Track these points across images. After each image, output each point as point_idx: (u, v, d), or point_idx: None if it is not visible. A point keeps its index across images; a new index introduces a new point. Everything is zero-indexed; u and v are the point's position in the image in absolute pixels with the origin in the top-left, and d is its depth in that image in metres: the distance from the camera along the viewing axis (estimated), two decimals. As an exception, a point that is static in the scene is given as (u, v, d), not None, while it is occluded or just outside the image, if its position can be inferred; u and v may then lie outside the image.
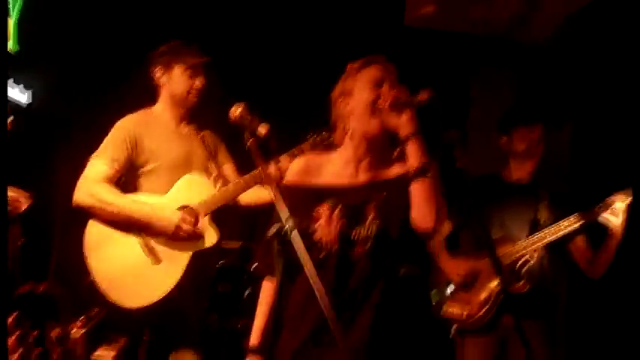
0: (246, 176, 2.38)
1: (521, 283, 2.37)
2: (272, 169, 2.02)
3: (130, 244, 2.32)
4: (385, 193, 1.62)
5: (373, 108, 1.62)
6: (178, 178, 2.39)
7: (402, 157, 1.63)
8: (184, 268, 2.29)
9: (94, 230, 2.34)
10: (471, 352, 2.43)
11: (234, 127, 1.59)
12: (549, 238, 2.36)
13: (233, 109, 1.59)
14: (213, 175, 2.49)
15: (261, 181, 2.37)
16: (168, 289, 2.26)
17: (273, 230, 1.35)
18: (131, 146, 2.36)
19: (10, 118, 1.74)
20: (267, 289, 1.71)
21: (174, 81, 2.43)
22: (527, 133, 2.52)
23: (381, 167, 1.68)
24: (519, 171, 2.56)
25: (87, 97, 3.40)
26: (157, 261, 2.30)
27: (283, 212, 1.37)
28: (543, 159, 2.56)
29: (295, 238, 1.34)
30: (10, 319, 1.07)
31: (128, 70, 3.22)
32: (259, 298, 1.75)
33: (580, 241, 2.42)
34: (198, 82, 2.44)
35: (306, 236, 1.56)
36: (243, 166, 2.49)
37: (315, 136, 2.29)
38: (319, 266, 1.55)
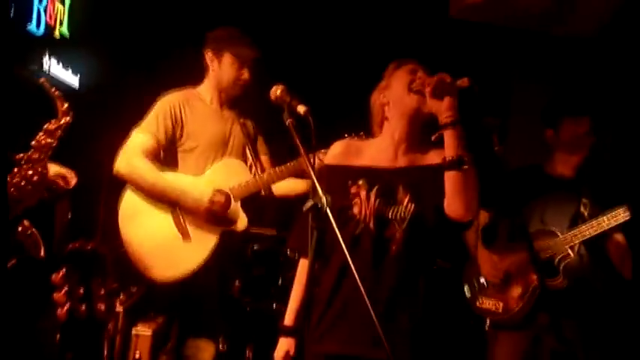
0: (283, 166, 2.43)
1: (559, 279, 2.32)
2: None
3: (163, 218, 2.38)
4: (422, 179, 1.64)
5: (410, 88, 1.68)
6: (215, 159, 2.44)
7: (440, 144, 1.66)
8: (212, 249, 2.34)
9: (130, 200, 2.40)
10: (504, 347, 2.40)
11: (274, 121, 1.63)
12: (589, 233, 2.30)
13: (274, 89, 1.63)
14: (250, 162, 2.54)
15: (296, 173, 2.43)
16: (194, 267, 2.32)
17: (308, 205, 1.37)
18: (173, 122, 2.41)
19: (66, 105, 1.81)
20: (302, 269, 1.76)
21: (223, 68, 2.48)
22: (574, 125, 2.45)
23: (419, 152, 1.72)
24: (564, 165, 2.49)
25: (134, 78, 3.48)
26: (186, 237, 2.35)
27: (319, 188, 1.39)
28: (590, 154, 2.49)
29: (330, 213, 1.36)
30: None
31: (173, 51, 3.30)
32: (295, 278, 1.81)
33: (618, 238, 2.35)
34: (245, 75, 2.48)
35: (344, 212, 1.61)
36: (278, 158, 2.56)
37: (352, 137, 2.27)
38: (355, 242, 1.61)
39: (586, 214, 2.39)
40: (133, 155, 2.36)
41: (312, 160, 1.47)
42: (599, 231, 2.29)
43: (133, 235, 2.37)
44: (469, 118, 1.61)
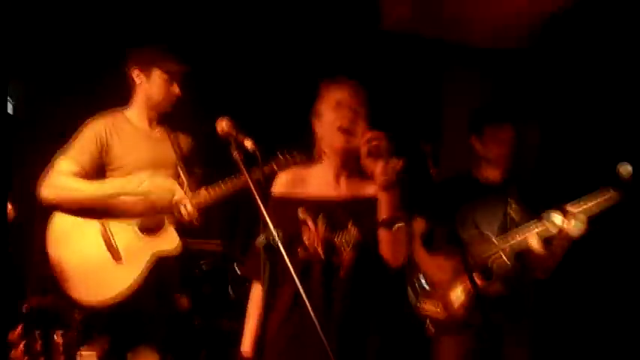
0: (216, 187, 2.39)
1: (493, 283, 2.46)
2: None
3: (93, 240, 2.35)
4: (364, 209, 1.74)
5: (337, 128, 1.77)
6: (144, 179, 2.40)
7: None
8: (144, 268, 2.31)
9: (59, 224, 2.37)
10: (447, 347, 2.52)
11: (208, 133, 1.68)
12: (517, 239, 2.44)
13: (219, 122, 1.68)
14: (182, 179, 2.50)
15: (230, 193, 2.39)
16: (126, 288, 2.28)
17: (261, 241, 1.44)
18: (99, 148, 2.39)
19: None
20: (256, 295, 1.81)
21: (152, 85, 2.46)
22: (497, 132, 2.60)
23: (360, 181, 1.82)
24: (490, 170, 2.65)
25: (55, 98, 3.39)
26: (117, 258, 2.33)
27: (270, 223, 1.46)
28: (514, 158, 2.64)
29: (282, 248, 1.43)
30: (15, 333, 1.13)
31: (104, 71, 3.24)
32: (249, 302, 1.85)
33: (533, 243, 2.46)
34: (176, 90, 2.47)
35: (293, 242, 1.68)
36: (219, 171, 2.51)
37: (285, 156, 2.33)
38: (306, 270, 1.68)
39: (514, 216, 2.56)
40: (59, 178, 2.34)
41: (260, 194, 1.53)
42: (526, 235, 2.42)
43: (65, 260, 2.33)
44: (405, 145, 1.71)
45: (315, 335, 1.43)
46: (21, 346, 1.10)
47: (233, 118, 1.67)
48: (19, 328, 1.11)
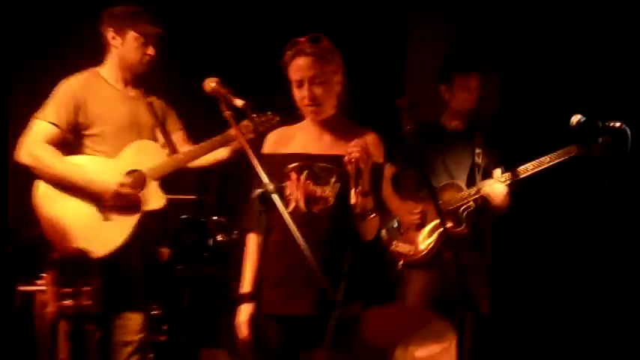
0: (202, 144, 2.49)
1: (462, 227, 2.68)
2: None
3: (80, 198, 2.37)
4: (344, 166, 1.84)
5: (304, 105, 1.88)
6: (125, 142, 2.45)
7: (360, 127, 1.96)
8: (132, 228, 2.39)
9: (44, 186, 2.37)
10: (415, 283, 2.72)
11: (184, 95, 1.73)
12: (484, 190, 2.65)
13: (207, 81, 1.75)
14: (161, 141, 2.58)
15: (214, 149, 2.50)
16: (116, 247, 2.35)
17: (256, 193, 1.55)
18: (75, 109, 2.38)
19: None
20: (252, 244, 1.95)
21: (127, 47, 2.45)
22: (466, 81, 2.70)
23: (341, 138, 1.94)
24: (456, 118, 2.77)
25: (29, 55, 3.32)
26: (106, 218, 2.38)
27: (264, 177, 1.57)
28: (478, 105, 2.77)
29: (276, 198, 1.55)
30: (43, 280, 1.22)
31: (74, 29, 3.18)
32: (245, 252, 1.98)
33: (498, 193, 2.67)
34: (150, 51, 2.47)
35: (279, 195, 1.78)
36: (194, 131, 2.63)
37: (258, 117, 2.37)
38: (290, 217, 1.80)
39: (479, 162, 2.74)
40: (34, 145, 2.34)
41: (253, 149, 1.64)
42: (492, 190, 2.64)
43: (56, 219, 2.35)
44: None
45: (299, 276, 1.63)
46: (50, 291, 1.20)
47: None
48: (46, 275, 1.21)
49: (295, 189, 1.85)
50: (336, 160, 1.87)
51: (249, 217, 1.88)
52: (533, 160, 2.61)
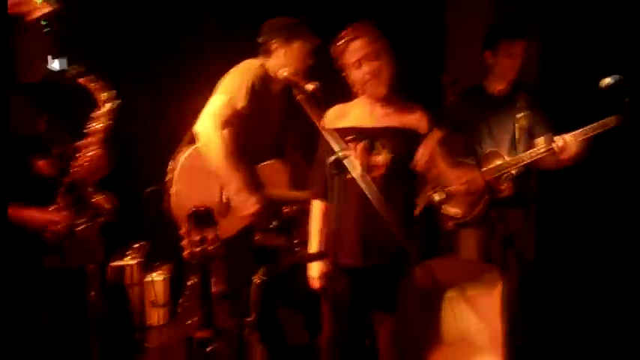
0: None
1: (504, 186, 2.85)
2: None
3: (211, 187, 2.59)
4: (396, 137, 2.17)
5: (364, 83, 2.16)
6: (267, 150, 2.70)
7: (409, 103, 2.23)
8: (236, 231, 2.62)
9: (194, 155, 2.56)
10: (466, 240, 2.96)
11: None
12: (527, 161, 2.79)
13: (280, 70, 2.07)
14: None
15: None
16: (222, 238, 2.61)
17: (331, 159, 1.86)
18: (252, 93, 2.52)
19: (106, 94, 2.13)
20: (317, 209, 2.30)
21: (292, 56, 2.59)
22: (511, 47, 2.77)
23: (392, 112, 2.24)
24: (500, 83, 2.86)
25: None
26: (224, 214, 2.60)
27: (336, 146, 1.89)
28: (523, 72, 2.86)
29: (347, 162, 1.88)
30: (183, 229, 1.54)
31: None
32: (311, 216, 2.32)
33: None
34: (310, 60, 2.64)
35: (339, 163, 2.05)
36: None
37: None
38: (350, 184, 2.08)
39: (524, 125, 2.85)
40: (214, 124, 2.48)
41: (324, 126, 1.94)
42: (534, 158, 2.77)
43: (184, 190, 2.56)
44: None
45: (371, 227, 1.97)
46: (186, 238, 1.52)
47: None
48: (185, 225, 1.54)
49: (354, 158, 2.13)
50: (388, 132, 2.17)
51: (314, 185, 2.24)
52: (574, 130, 2.69)
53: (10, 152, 2.01)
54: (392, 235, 2.05)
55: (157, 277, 3.85)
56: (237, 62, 2.69)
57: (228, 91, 2.53)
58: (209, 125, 2.50)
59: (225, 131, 2.51)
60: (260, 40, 2.66)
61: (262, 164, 2.74)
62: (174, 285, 3.85)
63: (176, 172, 2.58)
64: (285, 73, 2.07)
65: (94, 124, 2.16)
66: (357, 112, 2.27)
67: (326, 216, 2.27)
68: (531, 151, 2.81)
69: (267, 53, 2.66)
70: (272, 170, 2.75)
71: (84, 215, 2.18)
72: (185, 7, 3.84)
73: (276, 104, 2.73)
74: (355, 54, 2.14)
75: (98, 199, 2.23)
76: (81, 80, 2.12)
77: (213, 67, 2.81)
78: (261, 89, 2.57)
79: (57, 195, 2.11)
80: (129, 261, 3.69)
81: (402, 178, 2.17)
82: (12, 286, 2.05)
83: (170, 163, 2.66)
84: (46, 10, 2.06)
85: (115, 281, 3.56)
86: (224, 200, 2.63)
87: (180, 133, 2.71)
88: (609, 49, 3.33)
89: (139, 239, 3.84)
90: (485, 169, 2.85)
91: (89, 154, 2.13)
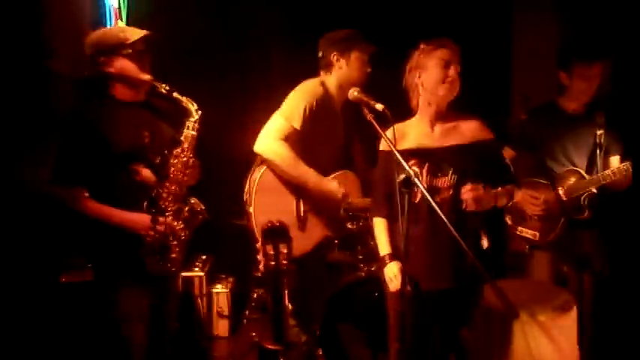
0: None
1: (585, 213, 2.76)
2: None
3: (288, 203, 2.71)
4: (460, 154, 2.16)
5: (442, 84, 2.15)
6: (334, 161, 2.81)
7: (468, 116, 2.22)
8: (314, 245, 2.76)
9: (266, 176, 2.68)
10: (540, 262, 2.88)
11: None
12: (608, 181, 2.69)
13: (350, 91, 2.12)
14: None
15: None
16: (298, 254, 2.61)
17: (401, 177, 1.89)
18: (310, 113, 2.64)
19: (195, 105, 2.30)
20: (380, 225, 2.32)
21: (352, 66, 2.74)
22: (587, 69, 2.70)
23: (452, 129, 2.23)
24: (576, 102, 2.79)
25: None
26: (301, 228, 2.73)
27: (405, 165, 1.90)
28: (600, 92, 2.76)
29: (417, 181, 1.89)
30: (259, 243, 1.61)
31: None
32: (377, 230, 2.33)
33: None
34: (369, 68, 2.77)
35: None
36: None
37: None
38: (416, 207, 2.11)
39: (603, 143, 2.75)
40: (274, 139, 2.62)
41: (394, 144, 1.97)
42: (617, 177, 2.67)
43: (261, 209, 2.66)
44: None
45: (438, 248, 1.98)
46: (261, 252, 1.58)
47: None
48: (261, 240, 1.62)
49: (419, 182, 2.13)
50: (452, 151, 2.16)
51: (377, 203, 2.27)
52: None
53: (118, 163, 2.20)
54: (462, 258, 2.03)
55: (222, 289, 3.95)
56: (303, 78, 2.81)
57: (285, 113, 2.64)
58: (268, 142, 2.63)
59: (284, 142, 2.62)
60: (319, 54, 2.77)
61: (333, 175, 2.81)
62: (236, 298, 3.94)
63: (253, 192, 2.67)
64: (356, 93, 2.10)
65: (187, 132, 2.30)
66: (415, 133, 2.26)
67: (391, 233, 2.28)
68: (613, 169, 2.70)
69: (328, 67, 2.77)
70: (343, 180, 2.83)
71: (181, 220, 2.32)
72: (252, 23, 3.96)
73: (338, 120, 2.79)
74: (445, 56, 2.16)
75: (192, 204, 2.36)
76: (175, 94, 2.27)
77: (280, 85, 2.92)
78: (321, 108, 2.67)
79: (157, 200, 2.26)
80: (197, 272, 3.81)
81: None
82: (115, 286, 2.22)
83: (246, 184, 2.77)
84: (142, 34, 2.24)
85: (183, 291, 3.70)
86: (301, 214, 2.74)
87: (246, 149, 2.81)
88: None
89: (201, 251, 3.97)
90: (564, 188, 2.77)
91: (184, 160, 2.28)
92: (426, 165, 2.16)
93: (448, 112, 2.23)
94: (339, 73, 2.76)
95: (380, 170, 2.30)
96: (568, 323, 2.35)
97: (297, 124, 2.63)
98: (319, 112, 2.66)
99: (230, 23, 3.94)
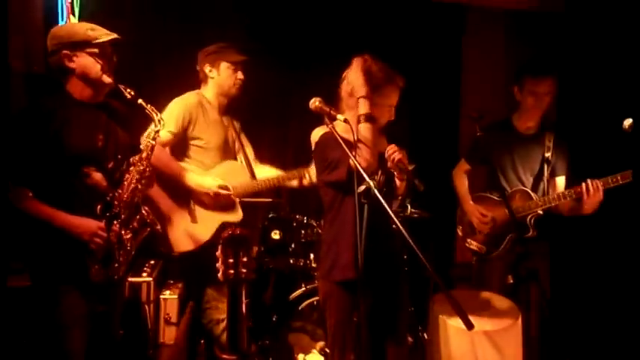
0: (277, 177, 3.09)
1: (530, 232, 2.88)
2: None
3: (184, 196, 2.93)
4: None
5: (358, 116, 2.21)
6: (218, 156, 3.02)
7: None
8: (213, 233, 2.93)
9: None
10: (486, 272, 2.98)
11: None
12: (554, 204, 2.80)
13: (312, 100, 2.14)
14: (239, 156, 3.16)
15: (284, 182, 3.09)
16: (198, 245, 2.91)
17: (361, 189, 1.95)
18: (187, 122, 2.93)
19: (159, 115, 2.29)
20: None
21: (222, 75, 3.01)
22: (535, 85, 2.78)
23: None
24: (528, 120, 2.87)
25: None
26: (194, 220, 2.95)
27: (366, 177, 1.94)
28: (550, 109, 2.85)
29: (376, 193, 1.94)
30: (218, 251, 1.60)
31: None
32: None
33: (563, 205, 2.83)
34: (240, 76, 3.02)
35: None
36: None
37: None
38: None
39: (550, 160, 2.85)
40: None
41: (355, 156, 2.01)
42: (562, 201, 2.77)
43: (156, 209, 2.83)
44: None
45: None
46: (220, 260, 1.58)
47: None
48: (220, 248, 1.62)
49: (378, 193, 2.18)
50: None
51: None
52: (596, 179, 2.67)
53: (68, 165, 2.13)
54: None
55: (170, 295, 3.86)
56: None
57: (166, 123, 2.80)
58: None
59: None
60: (197, 67, 3.05)
61: (216, 167, 3.04)
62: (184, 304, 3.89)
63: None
64: (317, 103, 2.13)
65: (147, 141, 2.27)
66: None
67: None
68: (560, 193, 2.81)
69: (204, 79, 3.05)
70: (229, 170, 3.08)
71: (130, 229, 2.27)
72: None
73: (218, 123, 3.04)
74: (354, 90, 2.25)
75: (142, 214, 2.32)
76: (140, 101, 2.22)
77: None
78: (198, 115, 2.96)
79: (107, 207, 2.20)
80: (145, 277, 3.71)
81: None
82: (55, 291, 2.15)
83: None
84: (111, 37, 2.19)
85: (131, 297, 3.59)
86: (192, 207, 2.96)
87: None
88: (626, 90, 3.34)
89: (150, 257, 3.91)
90: (512, 207, 2.82)
91: (140, 168, 2.24)
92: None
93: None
94: (213, 83, 3.04)
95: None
96: (513, 333, 2.46)
97: (173, 131, 2.88)
98: (195, 118, 2.94)
99: (185, 19, 3.90)
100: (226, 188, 2.97)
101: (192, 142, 2.98)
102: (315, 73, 3.41)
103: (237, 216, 3.05)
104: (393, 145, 2.20)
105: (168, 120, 2.79)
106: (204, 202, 2.97)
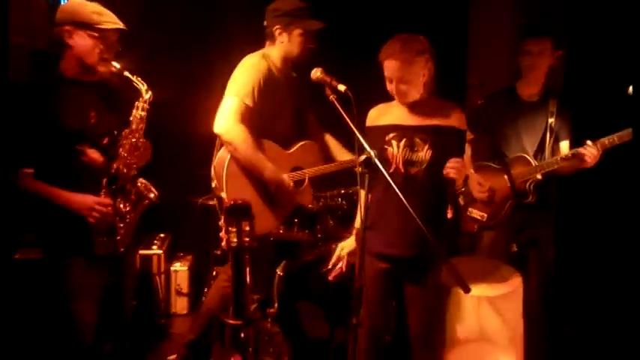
0: (346, 160, 2.94)
1: (529, 197, 2.89)
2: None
3: (259, 185, 2.72)
4: (434, 135, 2.24)
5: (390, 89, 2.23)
6: (278, 122, 2.79)
7: (443, 104, 2.30)
8: (283, 219, 2.86)
9: (234, 161, 2.67)
10: (488, 240, 3.00)
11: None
12: (552, 168, 2.82)
13: (314, 71, 2.14)
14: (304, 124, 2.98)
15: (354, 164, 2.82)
16: (267, 232, 2.79)
17: (362, 158, 1.95)
18: (259, 87, 2.64)
19: (145, 85, 2.26)
20: (361, 197, 2.28)
21: (293, 41, 2.73)
22: (535, 44, 2.77)
23: (428, 113, 2.30)
24: (531, 86, 2.87)
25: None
26: (272, 206, 2.77)
27: (367, 146, 1.95)
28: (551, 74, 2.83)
29: (377, 162, 1.96)
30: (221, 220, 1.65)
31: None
32: (358, 201, 2.37)
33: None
34: (312, 44, 2.76)
35: (382, 157, 2.17)
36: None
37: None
38: (390, 177, 2.13)
39: (554, 128, 2.85)
40: (235, 122, 2.60)
41: (356, 125, 2.00)
42: (561, 164, 2.79)
43: (234, 193, 2.66)
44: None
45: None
46: (224, 230, 1.59)
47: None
48: (222, 217, 1.63)
49: (395, 155, 2.25)
50: (429, 129, 2.26)
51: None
52: (596, 139, 2.71)
53: (63, 143, 2.15)
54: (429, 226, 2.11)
55: (181, 267, 3.95)
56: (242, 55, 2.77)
57: (236, 92, 2.63)
58: (227, 124, 2.60)
59: (243, 126, 2.61)
60: (265, 23, 2.75)
61: (294, 147, 2.88)
62: (196, 275, 3.95)
63: (223, 177, 2.67)
64: (319, 74, 2.13)
65: (136, 113, 2.28)
66: (397, 112, 2.35)
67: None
68: (558, 156, 2.84)
69: (271, 39, 2.76)
70: (304, 150, 2.91)
71: (129, 201, 2.31)
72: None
73: (285, 91, 2.79)
74: (388, 72, 2.22)
75: (141, 185, 2.35)
76: (126, 73, 2.23)
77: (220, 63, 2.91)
78: (267, 83, 2.66)
79: (104, 182, 2.23)
80: (156, 250, 3.79)
81: (441, 175, 2.21)
82: (65, 263, 2.20)
83: (212, 168, 2.76)
84: (116, 26, 2.20)
85: (141, 269, 3.67)
86: (272, 193, 2.77)
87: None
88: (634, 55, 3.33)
89: (160, 230, 3.96)
90: (511, 174, 2.87)
91: (132, 141, 2.26)
92: (404, 140, 2.26)
93: (426, 99, 2.31)
94: (281, 47, 2.76)
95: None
96: (514, 301, 2.49)
97: (250, 102, 2.62)
98: (266, 87, 2.66)
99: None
100: (299, 173, 2.83)
101: (262, 113, 2.68)
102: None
103: (309, 198, 2.93)
104: (454, 163, 2.15)
105: (240, 89, 2.63)
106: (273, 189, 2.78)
